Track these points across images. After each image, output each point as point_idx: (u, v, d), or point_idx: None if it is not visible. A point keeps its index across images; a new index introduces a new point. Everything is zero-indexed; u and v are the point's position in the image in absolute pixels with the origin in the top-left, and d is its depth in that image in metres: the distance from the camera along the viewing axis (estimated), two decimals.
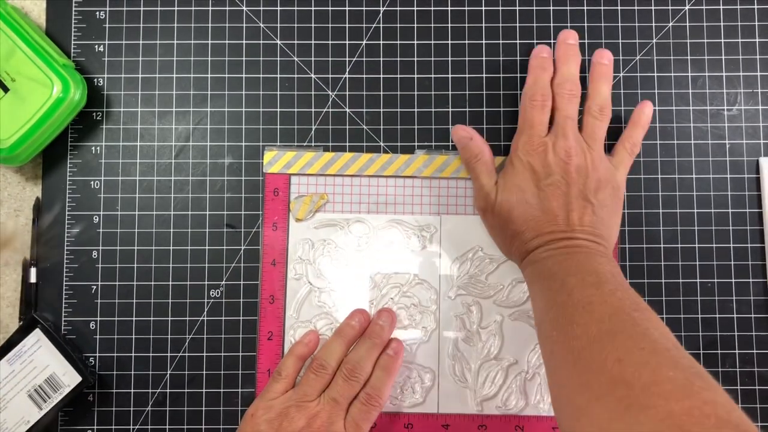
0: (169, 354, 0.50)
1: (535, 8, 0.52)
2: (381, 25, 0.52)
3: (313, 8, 0.52)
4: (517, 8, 0.52)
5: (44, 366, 0.48)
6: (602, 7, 0.52)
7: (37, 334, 0.48)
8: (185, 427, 0.50)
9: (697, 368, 0.35)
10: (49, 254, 0.51)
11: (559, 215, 0.44)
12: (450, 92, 0.52)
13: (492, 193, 0.46)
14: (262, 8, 0.52)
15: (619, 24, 0.52)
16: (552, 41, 0.52)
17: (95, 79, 0.52)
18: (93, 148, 0.51)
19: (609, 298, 0.39)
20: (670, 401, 0.32)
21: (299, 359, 0.48)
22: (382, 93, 0.52)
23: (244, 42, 0.52)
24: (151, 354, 0.50)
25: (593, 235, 0.44)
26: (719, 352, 0.50)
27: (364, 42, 0.52)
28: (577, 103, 0.47)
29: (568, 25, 0.52)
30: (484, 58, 0.52)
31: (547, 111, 0.47)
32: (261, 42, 0.52)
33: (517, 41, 0.52)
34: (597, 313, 0.38)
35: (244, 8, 0.52)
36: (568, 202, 0.44)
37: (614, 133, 0.50)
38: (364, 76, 0.52)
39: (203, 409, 0.50)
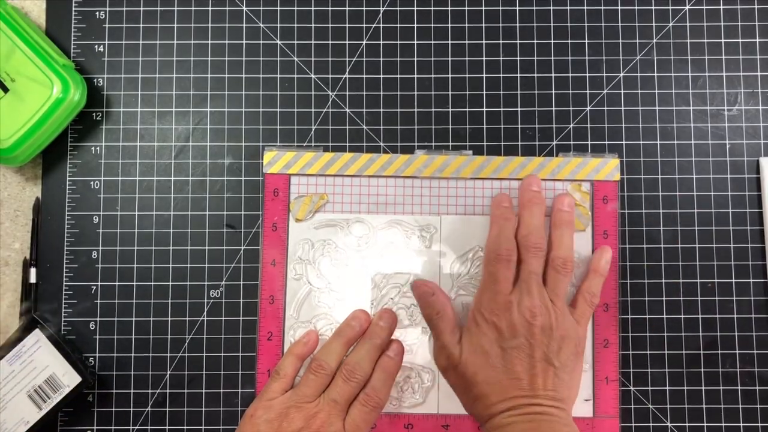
0: (168, 354, 0.50)
1: (535, 8, 0.52)
2: (381, 25, 0.52)
3: (313, 8, 0.52)
4: (517, 8, 0.52)
5: (44, 366, 0.48)
6: (602, 7, 0.52)
7: (36, 335, 0.48)
8: (185, 427, 0.50)
9: None
10: (49, 254, 0.51)
11: (524, 379, 0.43)
12: (450, 92, 0.52)
13: (456, 353, 0.45)
14: (262, 8, 0.52)
15: (619, 24, 0.52)
16: (551, 41, 0.52)
17: (95, 79, 0.52)
18: (93, 148, 0.51)
19: None
20: None
21: (298, 359, 0.48)
22: (382, 93, 0.52)
23: (243, 42, 0.52)
24: (150, 354, 0.50)
25: (555, 400, 0.43)
26: (719, 352, 0.50)
27: (364, 42, 0.52)
28: (543, 257, 0.46)
29: (568, 25, 0.52)
30: (484, 58, 0.52)
31: (513, 266, 0.46)
32: (261, 42, 0.52)
33: (517, 41, 0.52)
34: None
35: (244, 8, 0.52)
36: (533, 366, 0.43)
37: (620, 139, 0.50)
38: (364, 76, 0.52)
39: (203, 409, 0.50)
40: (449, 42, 0.52)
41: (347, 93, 0.52)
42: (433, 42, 0.52)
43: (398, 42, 0.52)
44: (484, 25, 0.52)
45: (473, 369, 0.44)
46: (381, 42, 0.52)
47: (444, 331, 0.46)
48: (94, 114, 0.52)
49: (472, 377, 0.44)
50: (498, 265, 0.45)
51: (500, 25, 0.52)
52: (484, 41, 0.52)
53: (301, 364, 0.48)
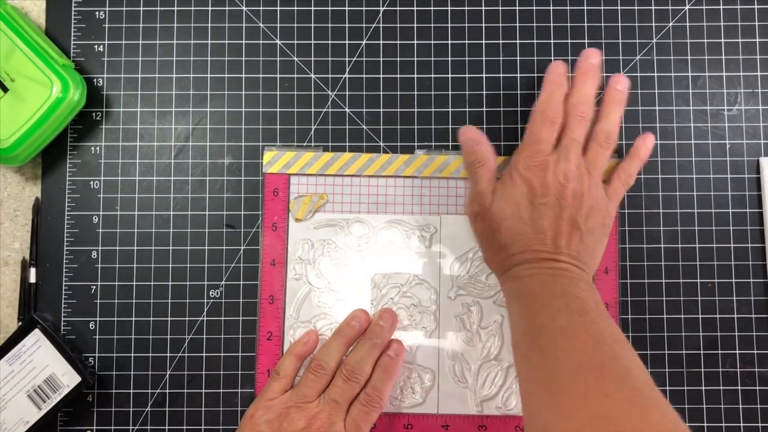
0: (168, 354, 0.50)
1: (535, 8, 0.52)
2: (381, 25, 0.52)
3: (313, 8, 0.52)
4: (517, 8, 0.52)
5: (43, 366, 0.48)
6: (602, 7, 0.52)
7: (36, 335, 0.48)
8: (185, 427, 0.50)
9: (676, 416, 0.36)
10: (48, 254, 0.51)
11: (548, 236, 0.44)
12: (450, 92, 0.52)
13: (488, 201, 0.46)
14: (261, 8, 0.52)
15: (619, 24, 0.52)
16: (551, 41, 0.52)
17: (95, 79, 0.52)
18: (92, 148, 0.51)
19: (591, 327, 0.40)
20: None
21: (298, 359, 0.48)
22: (382, 93, 0.52)
23: (243, 42, 0.52)
24: (150, 354, 0.50)
25: (578, 261, 0.44)
26: (719, 352, 0.50)
27: (364, 42, 0.52)
28: (587, 126, 0.46)
29: (568, 25, 0.52)
30: (484, 58, 0.52)
31: (557, 129, 0.46)
32: (261, 42, 0.52)
33: (517, 41, 0.52)
34: (579, 341, 0.39)
35: (244, 8, 0.52)
36: (559, 224, 0.44)
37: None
38: (364, 76, 0.52)
39: (203, 409, 0.50)
40: (449, 42, 0.52)
41: (347, 93, 0.52)
42: (433, 42, 0.52)
43: (398, 42, 0.52)
44: (484, 25, 0.52)
45: (501, 216, 0.45)
46: (381, 42, 0.52)
47: (483, 178, 0.47)
48: (93, 114, 0.52)
49: (499, 224, 0.45)
50: (542, 126, 0.46)
51: (500, 25, 0.52)
52: (484, 41, 0.52)
53: (301, 363, 0.48)
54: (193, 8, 0.52)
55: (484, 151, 0.47)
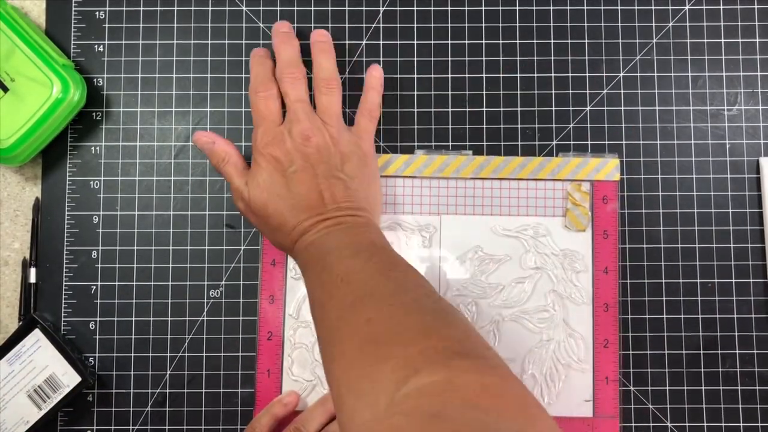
0: (168, 354, 0.50)
1: (535, 8, 0.52)
2: (381, 25, 0.52)
3: (313, 8, 0.52)
4: (517, 8, 0.52)
5: (44, 366, 0.48)
6: (602, 7, 0.52)
7: (36, 335, 0.48)
8: (185, 427, 0.50)
9: (443, 311, 0.36)
10: (48, 254, 0.51)
11: (312, 198, 0.44)
12: (450, 92, 0.52)
13: (246, 194, 0.46)
14: (262, 8, 0.52)
15: (619, 24, 0.52)
16: (551, 41, 0.52)
17: (95, 79, 0.52)
18: (93, 148, 0.51)
19: (365, 264, 0.40)
20: (408, 347, 0.33)
21: (274, 419, 0.47)
22: (382, 93, 0.51)
23: (244, 42, 0.52)
24: (150, 354, 0.50)
25: (350, 209, 0.44)
26: (719, 352, 0.50)
27: (364, 42, 0.52)
28: (303, 85, 0.47)
29: (568, 25, 0.52)
30: (484, 58, 0.52)
31: (273, 99, 0.47)
32: (261, 42, 0.52)
33: (517, 41, 0.52)
34: (354, 282, 0.39)
35: (244, 8, 0.52)
36: (317, 183, 0.44)
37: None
38: (364, 76, 0.51)
39: (203, 409, 0.50)
40: (449, 42, 0.52)
41: (347, 93, 0.52)
42: (433, 42, 0.52)
43: (398, 42, 0.52)
44: (484, 25, 0.52)
45: (262, 202, 0.45)
46: (381, 42, 0.52)
47: (232, 174, 0.47)
48: (94, 114, 0.52)
49: (263, 210, 0.45)
50: (259, 102, 0.47)
51: (500, 25, 0.52)
52: (484, 41, 0.52)
53: (276, 423, 0.48)
54: (193, 8, 0.52)
55: (222, 148, 0.48)
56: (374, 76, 0.50)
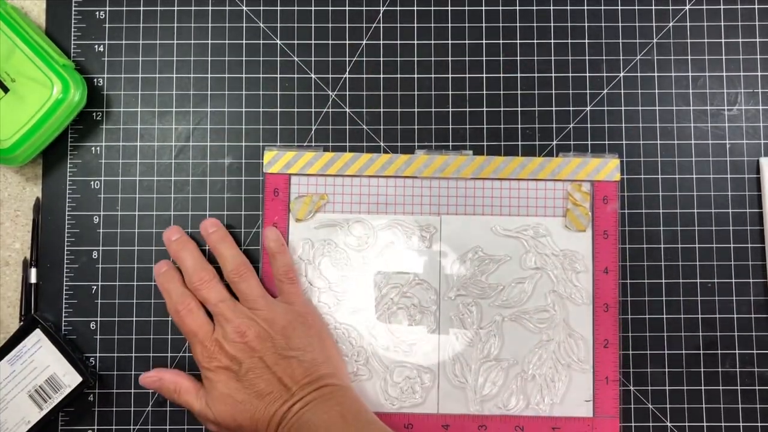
0: (169, 354, 0.50)
1: (535, 8, 0.52)
2: (381, 25, 0.52)
3: (313, 8, 0.52)
4: (517, 8, 0.52)
5: (45, 366, 0.48)
6: (602, 7, 0.52)
7: (37, 335, 0.48)
8: (185, 427, 0.50)
9: None
10: (49, 254, 0.51)
11: (274, 390, 0.43)
12: (450, 92, 0.52)
13: (209, 414, 0.45)
14: (262, 8, 0.52)
15: (619, 24, 0.52)
16: (551, 41, 0.52)
17: (95, 79, 0.52)
18: (93, 148, 0.51)
19: None
20: None
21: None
22: (382, 93, 0.52)
23: (244, 42, 0.52)
24: (151, 354, 0.50)
25: (312, 383, 0.44)
26: (719, 352, 0.50)
27: (364, 42, 0.52)
28: (217, 284, 0.47)
29: (568, 25, 0.52)
30: (484, 58, 0.52)
31: (196, 312, 0.46)
32: (261, 42, 0.52)
33: (517, 41, 0.52)
34: None
35: (244, 8, 0.52)
36: (273, 372, 0.44)
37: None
38: (364, 76, 0.52)
39: None
40: (449, 42, 0.52)
41: (347, 93, 0.52)
42: (433, 42, 0.52)
43: (398, 42, 0.52)
44: (484, 25, 0.52)
45: (229, 416, 0.44)
46: (381, 42, 0.52)
47: (190, 401, 0.46)
48: (94, 114, 0.52)
49: (234, 422, 0.44)
50: (184, 320, 0.46)
51: (500, 25, 0.52)
52: (484, 41, 0.52)
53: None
54: (193, 8, 0.52)
55: (170, 380, 0.47)
56: (273, 240, 0.49)
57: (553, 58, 0.52)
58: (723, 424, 0.49)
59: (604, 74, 0.51)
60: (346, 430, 0.41)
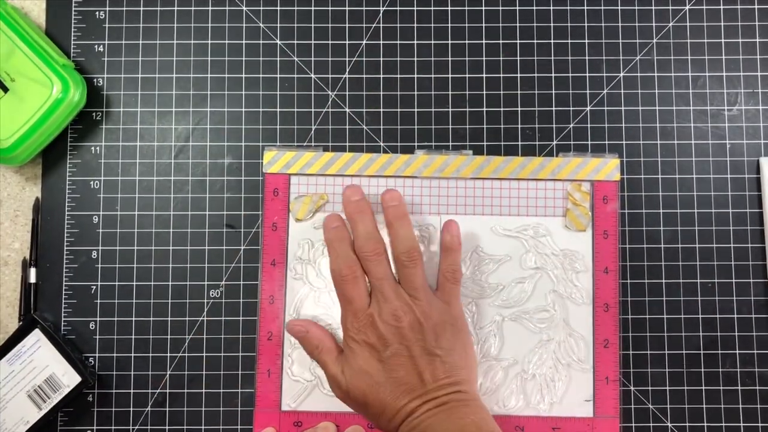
0: (168, 354, 0.50)
1: (535, 8, 0.52)
2: (381, 25, 0.52)
3: (313, 8, 0.52)
4: (517, 8, 0.52)
5: (44, 366, 0.48)
6: (602, 7, 0.52)
7: (36, 335, 0.48)
8: (185, 427, 0.50)
9: None
10: (48, 254, 0.51)
11: (412, 381, 0.43)
12: (450, 92, 0.52)
13: (343, 383, 0.45)
14: (262, 8, 0.52)
15: (619, 24, 0.52)
16: (551, 41, 0.52)
17: (95, 79, 0.52)
18: (93, 148, 0.51)
19: None
20: None
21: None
22: (382, 93, 0.52)
23: (243, 42, 0.52)
24: (150, 354, 0.50)
25: (451, 386, 0.43)
26: (719, 352, 0.50)
27: (364, 42, 0.52)
28: (386, 260, 0.46)
29: (568, 25, 0.52)
30: (484, 58, 0.52)
31: (361, 281, 0.46)
32: (261, 42, 0.52)
33: (517, 41, 0.52)
34: None
35: (244, 8, 0.52)
36: (415, 365, 0.43)
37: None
38: (364, 76, 0.52)
39: (203, 409, 0.50)
40: (449, 42, 0.52)
41: (347, 93, 0.52)
42: (433, 42, 0.52)
43: (398, 42, 0.52)
44: (484, 25, 0.52)
45: (360, 391, 0.44)
46: (381, 42, 0.52)
47: (327, 362, 0.46)
48: (94, 114, 0.52)
49: (363, 399, 0.44)
50: (345, 286, 0.45)
51: (500, 25, 0.52)
52: (484, 41, 0.52)
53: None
54: (193, 8, 0.52)
55: (316, 336, 0.47)
56: (453, 235, 0.48)
57: (553, 58, 0.52)
58: (723, 424, 0.49)
59: (604, 74, 0.51)
60: None
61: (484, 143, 0.51)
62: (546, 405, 0.49)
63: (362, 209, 0.47)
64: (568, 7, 0.52)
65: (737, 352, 0.50)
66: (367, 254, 0.46)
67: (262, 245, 0.50)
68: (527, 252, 0.50)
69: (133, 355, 0.50)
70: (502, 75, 0.52)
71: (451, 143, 0.51)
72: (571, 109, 0.51)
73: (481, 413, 0.43)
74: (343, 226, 0.48)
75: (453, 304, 0.47)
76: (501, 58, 0.52)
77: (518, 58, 0.52)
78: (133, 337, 0.50)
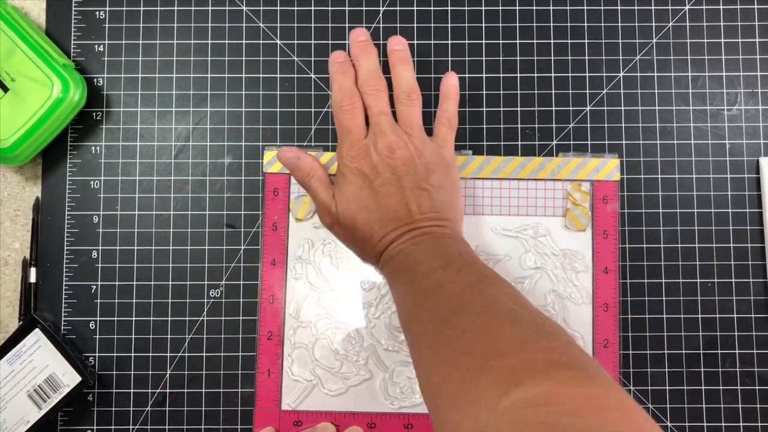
0: (168, 354, 0.50)
1: (535, 8, 0.52)
2: (381, 25, 0.52)
3: (313, 8, 0.52)
4: (517, 8, 0.52)
5: (44, 366, 0.48)
6: (602, 7, 0.52)
7: (36, 334, 0.48)
8: (185, 427, 0.50)
9: (540, 322, 0.36)
10: (48, 254, 0.51)
11: (399, 210, 0.44)
12: None
13: (332, 207, 0.46)
14: (262, 8, 0.52)
15: (619, 24, 0.52)
16: (551, 41, 0.52)
17: (95, 79, 0.52)
18: (93, 148, 0.51)
19: (456, 276, 0.40)
20: (507, 358, 0.33)
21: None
22: None
23: (244, 42, 0.52)
24: (150, 354, 0.50)
25: (437, 219, 0.45)
26: (719, 352, 0.50)
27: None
28: (386, 97, 0.47)
29: (568, 25, 0.52)
30: (484, 58, 0.52)
31: (359, 113, 0.47)
32: (261, 42, 0.52)
33: (517, 41, 0.52)
34: (446, 293, 0.39)
35: (244, 8, 0.52)
36: (404, 195, 0.45)
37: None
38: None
39: (203, 409, 0.50)
40: (449, 42, 0.52)
41: None
42: (433, 42, 0.52)
43: None
44: (484, 25, 0.52)
45: (350, 215, 0.46)
46: (381, 42, 0.52)
47: (318, 189, 0.48)
48: (94, 114, 0.52)
49: (352, 223, 0.45)
50: (344, 116, 0.47)
51: (500, 25, 0.52)
52: (484, 41, 0.52)
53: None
54: (193, 8, 0.52)
55: (307, 163, 0.48)
56: (451, 84, 0.50)
57: (553, 58, 0.52)
58: (723, 424, 0.49)
59: (604, 74, 0.51)
60: (461, 263, 0.41)
61: (484, 143, 0.51)
62: None
63: (367, 49, 0.49)
64: (568, 7, 0.52)
65: (737, 351, 0.50)
66: (369, 89, 0.47)
67: (262, 245, 0.50)
68: (527, 252, 0.50)
69: (133, 354, 0.50)
70: (502, 75, 0.52)
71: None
72: (571, 109, 0.51)
73: (465, 247, 0.44)
74: (348, 62, 0.49)
75: (446, 148, 0.48)
76: (501, 58, 0.52)
77: (518, 58, 0.52)
78: (133, 336, 0.50)
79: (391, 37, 0.50)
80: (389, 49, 0.49)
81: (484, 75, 0.52)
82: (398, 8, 0.52)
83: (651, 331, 0.50)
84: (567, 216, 0.50)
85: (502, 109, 0.51)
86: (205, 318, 0.50)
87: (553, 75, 0.51)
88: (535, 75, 0.51)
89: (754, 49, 0.51)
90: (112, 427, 0.50)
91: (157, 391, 0.50)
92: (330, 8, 0.52)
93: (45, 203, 0.51)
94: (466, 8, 0.52)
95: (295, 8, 0.52)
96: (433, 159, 0.46)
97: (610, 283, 0.50)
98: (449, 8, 0.52)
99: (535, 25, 0.52)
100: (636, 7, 0.52)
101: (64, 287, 0.50)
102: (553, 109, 0.51)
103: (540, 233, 0.50)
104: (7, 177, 0.52)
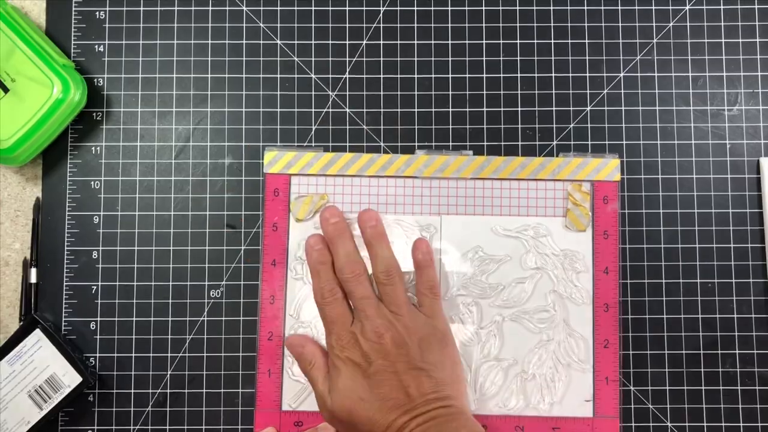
0: (169, 354, 0.50)
1: (535, 8, 0.52)
2: (381, 25, 0.52)
3: (313, 8, 0.52)
4: (517, 8, 0.52)
5: (44, 366, 0.48)
6: (602, 7, 0.52)
7: (37, 335, 0.48)
8: (185, 427, 0.50)
9: None
10: (49, 254, 0.51)
11: (398, 396, 0.43)
12: (450, 92, 0.52)
13: (328, 402, 0.45)
14: (262, 8, 0.52)
15: (619, 24, 0.52)
16: (551, 41, 0.52)
17: (95, 79, 0.52)
18: (93, 148, 0.51)
19: None
20: None
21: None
22: (382, 93, 0.52)
23: (244, 42, 0.52)
24: (151, 354, 0.50)
25: (439, 400, 0.43)
26: (719, 352, 0.50)
27: (364, 42, 0.52)
28: (366, 280, 0.46)
29: (568, 25, 0.52)
30: (484, 58, 0.52)
31: (341, 302, 0.46)
32: (261, 42, 0.52)
33: (517, 41, 0.52)
34: None
35: (244, 8, 0.52)
36: (400, 379, 0.43)
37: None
38: (364, 76, 0.52)
39: (203, 409, 0.50)
40: (449, 42, 0.52)
41: (347, 93, 0.52)
42: (433, 42, 0.52)
43: (398, 42, 0.52)
44: (484, 25, 0.52)
45: (346, 410, 0.44)
46: (381, 42, 0.52)
47: (317, 380, 0.46)
48: (94, 114, 0.52)
49: (349, 417, 0.44)
50: (326, 307, 0.46)
51: (500, 25, 0.52)
52: (484, 41, 0.52)
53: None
54: (193, 8, 0.52)
55: (310, 352, 0.47)
56: (424, 252, 0.48)
57: (553, 58, 0.52)
58: (723, 424, 0.49)
59: (604, 74, 0.51)
60: None
61: (485, 143, 0.51)
62: (546, 405, 0.49)
63: (342, 232, 0.48)
64: (568, 7, 0.52)
65: (737, 352, 0.50)
66: (348, 276, 0.46)
67: (262, 245, 0.50)
68: (527, 252, 0.50)
69: (133, 355, 0.50)
70: (502, 75, 0.52)
71: (451, 143, 0.51)
72: (572, 109, 0.51)
73: (472, 427, 0.43)
74: (325, 249, 0.48)
75: (437, 318, 0.47)
76: (501, 58, 0.52)
77: (518, 58, 0.52)
78: (133, 337, 0.50)
79: (361, 213, 0.48)
80: (362, 227, 0.48)
81: (484, 75, 0.52)
82: (398, 8, 0.52)
83: (651, 332, 0.50)
84: (567, 216, 0.50)
85: (502, 109, 0.51)
86: (205, 318, 0.50)
87: (553, 75, 0.51)
88: (536, 75, 0.51)
89: (755, 49, 0.51)
90: (113, 427, 0.50)
91: (158, 391, 0.50)
92: (330, 8, 0.52)
93: (45, 203, 0.51)
94: (467, 8, 0.52)
95: (296, 8, 0.52)
96: (426, 333, 0.45)
97: (611, 284, 0.50)
98: (449, 8, 0.52)
99: (535, 25, 0.52)
100: (636, 7, 0.52)
101: (64, 288, 0.50)
102: (554, 109, 0.51)
103: (540, 233, 0.50)
104: (8, 177, 0.52)
